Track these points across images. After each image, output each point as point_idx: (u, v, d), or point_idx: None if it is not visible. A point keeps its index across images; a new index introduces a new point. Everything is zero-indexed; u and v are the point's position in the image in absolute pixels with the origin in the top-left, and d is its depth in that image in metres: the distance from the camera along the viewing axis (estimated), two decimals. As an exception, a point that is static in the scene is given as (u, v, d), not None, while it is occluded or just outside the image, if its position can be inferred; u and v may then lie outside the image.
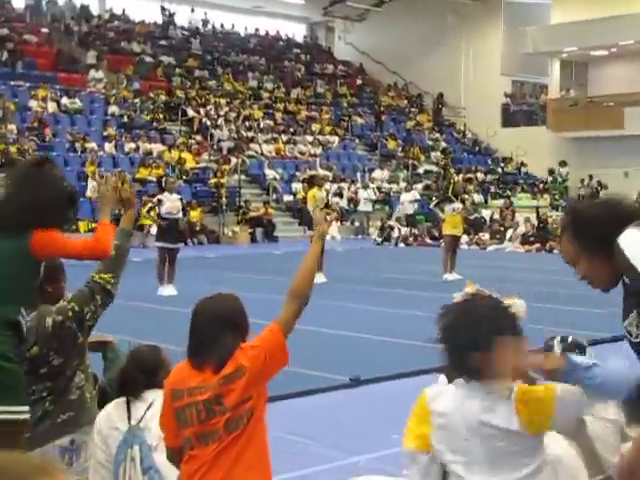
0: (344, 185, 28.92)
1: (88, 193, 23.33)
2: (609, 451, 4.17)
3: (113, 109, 28.35)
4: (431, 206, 18.08)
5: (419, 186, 30.30)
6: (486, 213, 27.17)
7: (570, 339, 4.36)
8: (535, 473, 2.48)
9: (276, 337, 3.32)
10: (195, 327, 3.43)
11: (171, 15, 37.04)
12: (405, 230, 25.93)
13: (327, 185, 28.37)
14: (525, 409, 2.46)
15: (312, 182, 16.25)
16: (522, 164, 33.74)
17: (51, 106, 26.77)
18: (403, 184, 29.65)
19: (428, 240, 25.13)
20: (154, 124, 28.63)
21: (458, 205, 15.87)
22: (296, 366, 8.26)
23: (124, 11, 36.41)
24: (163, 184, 14.60)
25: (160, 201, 14.02)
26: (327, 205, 15.54)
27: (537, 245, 23.37)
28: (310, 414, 6.92)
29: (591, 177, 31.77)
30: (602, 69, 34.96)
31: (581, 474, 3.54)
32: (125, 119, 28.04)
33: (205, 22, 38.42)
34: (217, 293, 3.54)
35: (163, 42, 35.22)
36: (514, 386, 2.50)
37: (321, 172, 29.24)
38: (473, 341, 2.45)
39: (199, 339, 3.40)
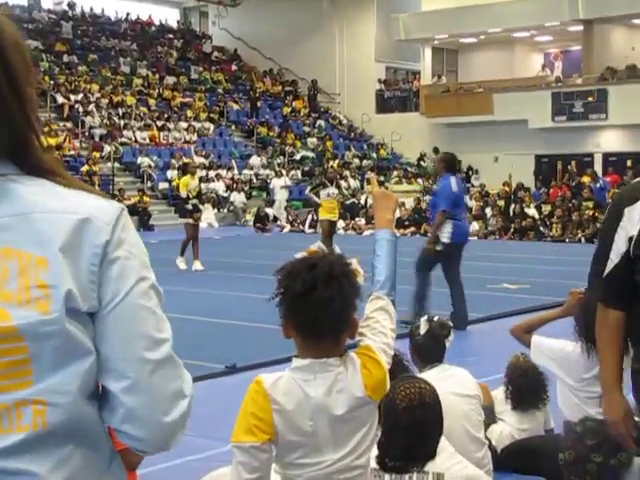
0: (221, 172, 28.73)
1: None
2: (477, 428, 4.28)
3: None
4: (306, 191, 18.15)
5: (299, 172, 30.41)
6: (363, 199, 27.50)
7: (436, 318, 4.46)
8: (368, 435, 2.47)
9: None
10: None
11: (38, -1, 35.87)
12: (283, 216, 25.96)
13: (201, 173, 28.20)
14: (368, 374, 2.42)
15: (185, 170, 16.10)
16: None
17: None
18: (283, 171, 29.66)
19: (307, 226, 25.20)
20: (22, 111, 27.61)
21: (333, 190, 15.98)
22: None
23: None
24: None
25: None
26: (199, 193, 15.34)
27: (412, 229, 23.79)
28: (185, 403, 6.81)
29: (460, 162, 32.53)
30: (472, 56, 35.86)
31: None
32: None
33: (71, 5, 37.29)
34: None
35: (29, 26, 34.03)
36: (350, 354, 2.45)
37: (197, 159, 28.97)
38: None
39: None
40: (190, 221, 14.88)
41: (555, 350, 4.31)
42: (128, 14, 39.37)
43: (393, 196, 2.85)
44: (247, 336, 9.32)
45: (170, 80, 34.27)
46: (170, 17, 41.99)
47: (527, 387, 4.70)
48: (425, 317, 4.42)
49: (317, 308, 2.32)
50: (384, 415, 2.92)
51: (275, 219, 26.71)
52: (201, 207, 15.21)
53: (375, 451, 2.96)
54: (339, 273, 2.36)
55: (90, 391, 1.42)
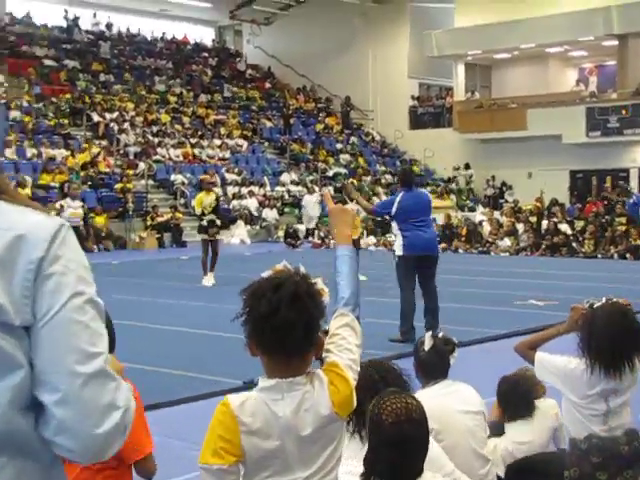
0: (254, 189, 28.86)
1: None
2: (481, 444, 4.26)
3: (14, 114, 27.67)
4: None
5: (331, 189, 30.43)
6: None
7: (441, 335, 4.45)
8: (336, 452, 2.48)
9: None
10: None
11: (75, 19, 36.38)
12: (314, 232, 25.99)
13: (234, 189, 28.39)
14: (335, 390, 2.43)
15: (200, 186, 16.28)
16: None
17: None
18: (315, 188, 29.71)
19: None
20: (58, 129, 28.07)
21: (352, 206, 15.93)
22: (186, 370, 8.25)
23: (28, 14, 35.64)
24: (66, 190, 14.45)
25: (62, 207, 13.86)
26: (215, 209, 15.41)
27: (443, 245, 23.67)
28: (202, 419, 6.85)
29: (494, 177, 32.46)
30: (505, 72, 35.74)
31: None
32: (27, 124, 27.37)
33: (109, 26, 37.84)
34: None
35: (67, 46, 34.58)
36: (317, 371, 2.46)
37: (229, 177, 29.17)
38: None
39: None
40: (205, 237, 15.05)
41: (559, 366, 4.28)
42: (164, 34, 39.84)
43: (350, 211, 2.86)
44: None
45: (204, 98, 34.58)
46: (205, 36, 42.42)
47: (513, 395, 4.69)
48: (430, 333, 4.42)
49: (282, 329, 2.33)
50: (370, 430, 2.92)
51: (307, 235, 26.76)
52: (218, 222, 15.28)
53: (361, 468, 2.96)
54: (304, 294, 2.37)
55: (24, 404, 1.44)
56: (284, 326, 2.33)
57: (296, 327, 2.33)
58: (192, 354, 9.16)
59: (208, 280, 15.10)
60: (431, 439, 3.73)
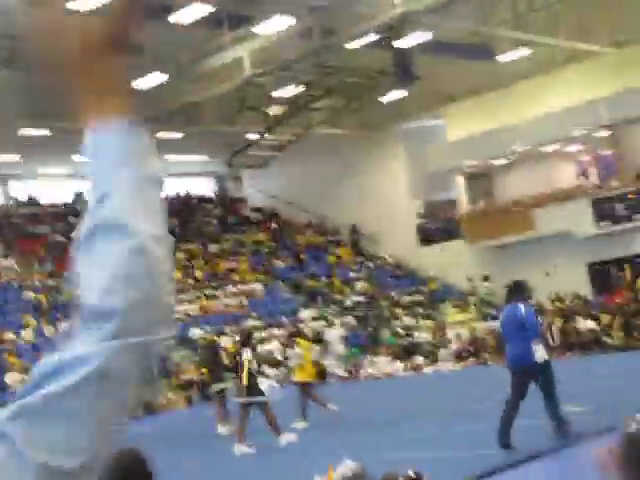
0: (275, 331, 28.65)
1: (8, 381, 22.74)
2: None
3: (29, 295, 27.87)
4: None
5: (350, 319, 30.21)
6: (418, 335, 27.10)
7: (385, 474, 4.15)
8: None
9: None
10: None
11: (79, 193, 37.12)
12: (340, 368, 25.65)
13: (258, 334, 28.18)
14: None
15: (247, 341, 15.61)
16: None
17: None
18: (336, 321, 29.48)
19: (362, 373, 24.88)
20: (74, 302, 28.14)
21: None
22: None
23: (34, 198, 36.38)
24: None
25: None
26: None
27: (472, 359, 23.27)
28: None
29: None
30: (505, 176, 35.92)
31: None
32: (42, 303, 27.52)
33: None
34: (128, 448, 3.82)
35: (75, 219, 35.16)
36: None
37: (251, 323, 29.05)
38: None
39: None
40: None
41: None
42: (166, 193, 40.48)
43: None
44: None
45: (214, 248, 34.85)
46: (207, 188, 43.10)
47: None
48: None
49: None
50: None
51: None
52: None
53: None
54: None
55: None
56: None
57: None
58: None
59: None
60: None
